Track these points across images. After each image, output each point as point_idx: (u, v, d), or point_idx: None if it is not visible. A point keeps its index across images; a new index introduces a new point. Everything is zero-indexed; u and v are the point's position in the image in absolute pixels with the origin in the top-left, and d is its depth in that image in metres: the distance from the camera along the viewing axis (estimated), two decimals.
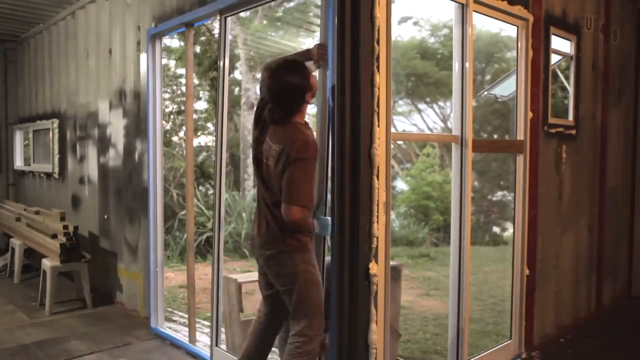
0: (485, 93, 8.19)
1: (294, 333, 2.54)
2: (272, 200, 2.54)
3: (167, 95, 8.80)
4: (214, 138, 9.91)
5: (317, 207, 2.55)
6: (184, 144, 8.57)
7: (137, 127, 4.51)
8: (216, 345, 3.42)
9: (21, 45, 7.27)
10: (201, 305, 4.76)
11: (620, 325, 4.45)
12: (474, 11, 3.11)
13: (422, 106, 10.64)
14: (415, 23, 10.24)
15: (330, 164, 2.57)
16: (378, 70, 2.54)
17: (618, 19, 4.80)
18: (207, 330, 4.04)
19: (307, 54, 2.68)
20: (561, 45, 4.04)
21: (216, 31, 6.94)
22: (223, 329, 3.52)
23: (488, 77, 9.32)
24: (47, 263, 4.69)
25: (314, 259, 2.57)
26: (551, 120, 3.87)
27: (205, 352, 3.60)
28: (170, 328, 4.12)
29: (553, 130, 3.90)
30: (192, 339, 3.80)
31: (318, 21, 5.77)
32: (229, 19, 3.40)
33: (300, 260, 2.51)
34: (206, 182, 9.01)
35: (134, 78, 4.54)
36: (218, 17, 3.38)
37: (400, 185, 9.91)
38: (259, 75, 10.29)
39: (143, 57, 4.30)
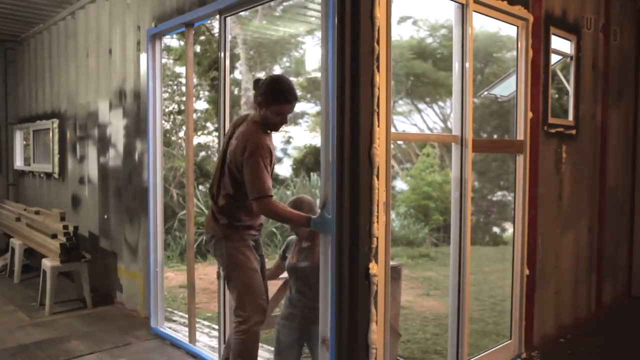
0: (485, 93, 8.19)
1: (234, 314, 2.81)
2: (214, 190, 2.86)
3: (166, 95, 8.80)
4: (214, 137, 9.82)
5: (324, 205, 2.57)
6: (183, 144, 8.57)
7: (137, 127, 4.51)
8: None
9: (21, 45, 7.27)
10: (201, 305, 4.77)
11: (620, 325, 4.45)
12: (474, 11, 3.11)
13: (422, 106, 10.65)
14: (414, 23, 10.24)
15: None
16: (378, 70, 2.54)
17: (618, 19, 4.80)
18: (207, 330, 4.04)
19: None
20: (561, 45, 4.04)
21: (215, 31, 6.94)
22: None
23: (488, 77, 9.32)
24: (47, 263, 4.69)
25: (244, 247, 2.80)
26: (551, 120, 3.87)
27: (205, 352, 3.60)
28: (170, 328, 4.12)
29: (553, 130, 3.90)
30: (192, 339, 3.80)
31: (314, 19, 5.79)
32: (228, 18, 3.40)
33: (228, 246, 2.78)
34: (206, 182, 9.01)
35: (134, 78, 4.54)
36: (217, 17, 3.38)
37: (400, 185, 9.91)
38: (258, 75, 10.30)
39: (143, 57, 4.30)
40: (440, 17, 9.65)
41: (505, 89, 5.30)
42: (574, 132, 4.18)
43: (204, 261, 7.12)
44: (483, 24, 8.18)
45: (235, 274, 2.79)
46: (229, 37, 3.43)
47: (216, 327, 4.06)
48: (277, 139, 11.12)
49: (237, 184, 2.75)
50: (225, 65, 3.37)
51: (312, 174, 9.41)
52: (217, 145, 3.45)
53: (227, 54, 3.39)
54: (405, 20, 10.18)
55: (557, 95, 4.38)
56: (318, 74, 9.87)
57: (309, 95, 10.57)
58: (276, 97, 2.73)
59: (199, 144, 9.25)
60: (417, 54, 9.75)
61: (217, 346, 3.53)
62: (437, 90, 9.95)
